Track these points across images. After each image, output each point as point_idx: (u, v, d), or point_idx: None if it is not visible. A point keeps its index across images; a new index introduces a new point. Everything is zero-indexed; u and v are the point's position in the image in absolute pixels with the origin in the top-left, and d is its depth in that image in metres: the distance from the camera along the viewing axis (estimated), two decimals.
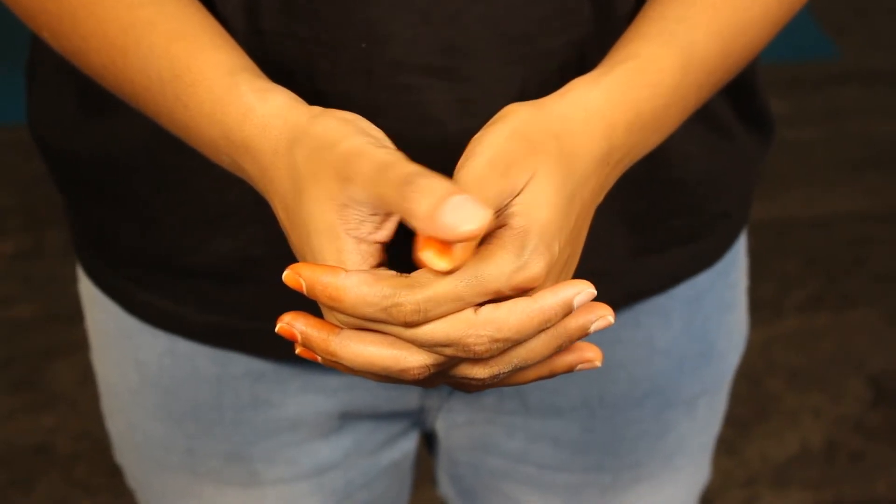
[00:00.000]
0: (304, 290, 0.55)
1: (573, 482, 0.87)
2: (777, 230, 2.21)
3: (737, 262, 0.86)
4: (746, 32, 0.66)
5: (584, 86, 0.60)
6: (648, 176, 0.72)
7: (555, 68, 0.66)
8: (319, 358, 0.58)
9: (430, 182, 0.52)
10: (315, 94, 0.65)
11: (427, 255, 0.53)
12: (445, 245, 0.53)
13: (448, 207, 0.51)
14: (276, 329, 0.58)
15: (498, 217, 0.55)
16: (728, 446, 1.81)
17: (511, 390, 0.83)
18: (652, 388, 0.84)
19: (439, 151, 0.63)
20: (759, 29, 0.67)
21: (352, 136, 0.56)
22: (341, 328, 0.57)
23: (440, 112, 0.64)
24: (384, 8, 0.62)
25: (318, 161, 0.56)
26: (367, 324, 0.56)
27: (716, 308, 0.84)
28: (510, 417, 0.85)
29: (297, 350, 0.59)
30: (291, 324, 0.58)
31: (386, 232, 0.56)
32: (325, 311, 0.58)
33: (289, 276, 0.56)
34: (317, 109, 0.58)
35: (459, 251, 0.53)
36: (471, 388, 0.60)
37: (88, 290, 0.83)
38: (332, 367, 0.58)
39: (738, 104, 0.77)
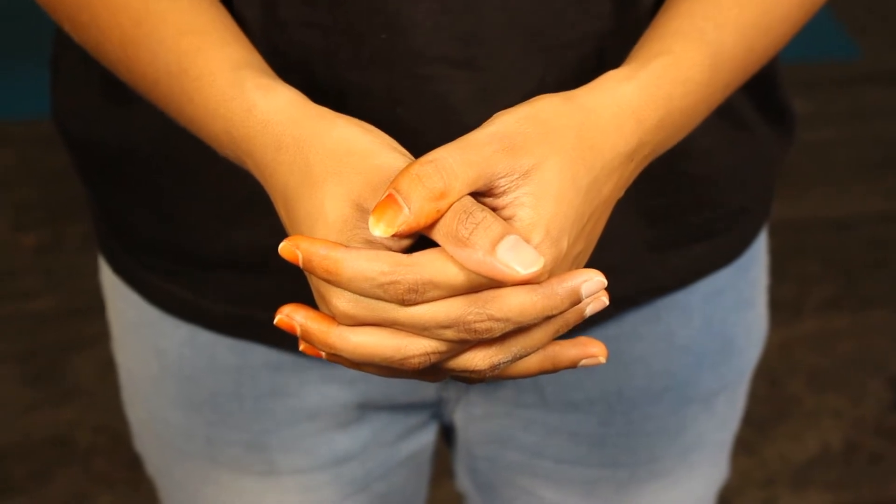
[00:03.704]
0: (301, 263, 0.54)
1: (589, 476, 0.87)
2: (797, 231, 2.21)
3: (757, 258, 0.85)
4: (769, 33, 0.66)
5: (617, 79, 0.60)
6: (667, 170, 0.72)
7: (574, 60, 0.66)
8: (323, 353, 0.57)
9: (486, 219, 0.52)
10: (335, 83, 0.65)
11: (371, 220, 0.52)
12: (393, 213, 0.52)
13: (503, 247, 0.52)
14: (275, 321, 0.57)
15: (504, 206, 0.55)
16: (747, 447, 1.81)
17: (528, 383, 0.83)
18: (670, 384, 0.83)
19: None
20: (781, 30, 0.67)
21: (386, 150, 0.56)
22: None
23: (459, 102, 0.65)
24: None
25: (342, 164, 0.55)
26: (360, 308, 0.54)
27: (735, 304, 0.84)
28: (528, 411, 0.85)
29: (301, 347, 0.58)
30: (291, 316, 0.56)
31: (404, 244, 0.55)
32: (319, 303, 0.57)
33: (285, 247, 0.54)
34: (325, 110, 0.58)
35: (403, 225, 0.52)
36: (472, 380, 0.59)
37: (109, 280, 0.83)
38: (335, 362, 0.58)
39: (757, 98, 0.77)
